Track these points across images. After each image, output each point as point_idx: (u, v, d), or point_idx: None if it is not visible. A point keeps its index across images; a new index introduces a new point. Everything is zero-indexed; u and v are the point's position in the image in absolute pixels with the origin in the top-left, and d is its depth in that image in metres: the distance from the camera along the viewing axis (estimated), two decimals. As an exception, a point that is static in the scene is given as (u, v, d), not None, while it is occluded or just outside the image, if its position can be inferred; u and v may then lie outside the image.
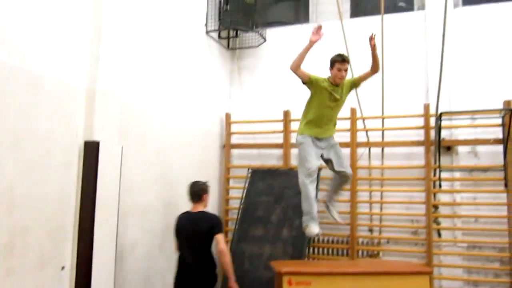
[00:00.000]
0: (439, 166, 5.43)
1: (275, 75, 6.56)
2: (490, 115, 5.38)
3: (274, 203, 5.53)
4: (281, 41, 6.60)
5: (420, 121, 5.63)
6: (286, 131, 6.13)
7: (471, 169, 5.54)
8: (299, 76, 4.10)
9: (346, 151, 5.83)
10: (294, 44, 6.52)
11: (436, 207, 5.50)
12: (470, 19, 5.81)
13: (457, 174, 5.62)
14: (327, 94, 4.04)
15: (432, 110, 5.50)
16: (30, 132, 3.16)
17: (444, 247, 5.53)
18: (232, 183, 6.45)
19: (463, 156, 5.62)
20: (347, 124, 5.83)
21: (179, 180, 5.23)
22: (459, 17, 5.82)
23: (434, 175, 5.51)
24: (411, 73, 5.97)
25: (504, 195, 5.25)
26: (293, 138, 6.09)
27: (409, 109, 5.80)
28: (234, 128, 6.54)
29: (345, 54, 4.15)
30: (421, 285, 3.52)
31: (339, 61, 4.01)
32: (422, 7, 6.13)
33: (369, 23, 6.01)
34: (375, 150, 5.92)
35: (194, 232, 3.97)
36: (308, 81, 4.10)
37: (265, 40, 6.45)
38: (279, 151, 6.25)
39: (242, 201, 5.74)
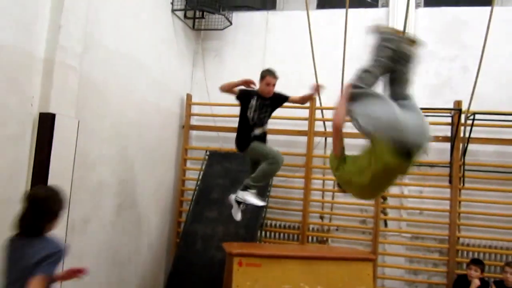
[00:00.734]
0: (390, 159, 5.64)
1: (238, 59, 6.57)
2: (441, 114, 5.63)
3: (230, 186, 5.58)
4: (246, 26, 6.60)
5: (376, 115, 5.81)
6: (246, 115, 6.17)
7: (420, 164, 5.78)
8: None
9: (303, 139, 5.97)
10: (259, 29, 6.59)
11: (384, 198, 5.73)
12: (430, 19, 6.02)
13: (407, 168, 5.86)
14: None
15: (388, 105, 5.67)
16: (-18, 99, 3.07)
17: (389, 236, 5.79)
18: (189, 164, 6.46)
19: (413, 151, 5.86)
20: (305, 113, 5.95)
21: (135, 158, 5.20)
22: (420, 17, 6.02)
23: (385, 167, 5.72)
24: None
25: (448, 190, 5.54)
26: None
27: (366, 103, 5.97)
28: (194, 109, 6.52)
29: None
30: (365, 271, 3.71)
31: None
32: (386, 4, 6.29)
33: (335, 15, 6.11)
34: (331, 140, 6.06)
35: None
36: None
37: (231, 23, 6.43)
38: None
39: (198, 182, 5.78)
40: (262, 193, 4.83)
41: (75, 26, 3.80)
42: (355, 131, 2.98)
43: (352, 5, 5.61)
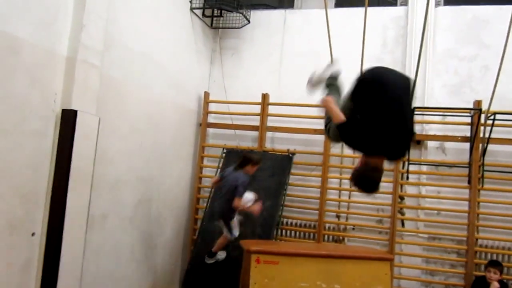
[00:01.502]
0: (408, 159, 5.61)
1: (255, 58, 6.59)
2: (460, 113, 5.57)
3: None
4: (264, 24, 6.61)
5: (394, 114, 5.77)
6: (263, 114, 6.19)
7: (438, 164, 5.74)
8: None
9: (321, 138, 5.96)
10: (277, 28, 6.60)
11: (402, 198, 5.70)
12: (450, 18, 5.95)
13: (424, 168, 5.82)
14: None
15: (406, 105, 5.63)
16: (5, 96, 3.13)
17: (406, 236, 5.75)
18: (206, 161, 6.50)
19: (432, 151, 5.82)
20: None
21: (153, 155, 5.25)
22: (439, 15, 5.97)
23: (403, 167, 5.69)
24: (389, 65, 6.07)
25: (467, 191, 5.48)
26: (270, 121, 6.21)
27: (384, 102, 5.94)
28: (211, 107, 6.56)
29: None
30: (382, 271, 3.70)
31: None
32: (405, 2, 6.24)
33: (353, 14, 6.10)
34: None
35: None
36: None
37: (249, 21, 6.45)
38: (254, 133, 6.31)
39: (215, 180, 5.81)
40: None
41: (96, 25, 3.86)
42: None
43: (371, 4, 5.58)
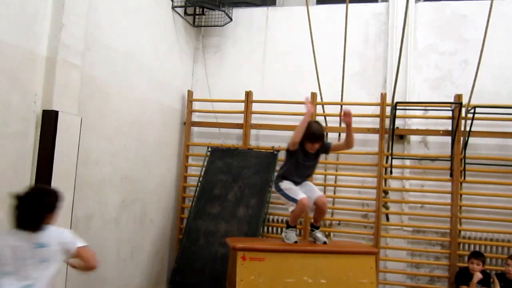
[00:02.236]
0: (391, 154, 5.67)
1: (238, 55, 6.59)
2: (442, 108, 5.65)
3: (232, 182, 5.63)
4: (246, 22, 6.61)
5: (377, 110, 5.83)
6: (247, 111, 6.19)
7: (421, 158, 5.82)
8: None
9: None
10: (259, 25, 6.60)
11: (386, 192, 5.75)
12: (430, 14, 6.03)
13: (408, 162, 5.89)
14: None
15: (389, 100, 5.69)
16: (-14, 97, 3.09)
17: (391, 230, 5.82)
18: (191, 160, 6.49)
19: (414, 145, 5.89)
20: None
21: (137, 155, 5.22)
22: (419, 11, 6.04)
23: (386, 162, 5.75)
24: (370, 62, 6.16)
25: (449, 183, 5.56)
26: (254, 118, 6.22)
27: (367, 98, 6.01)
28: (195, 105, 6.54)
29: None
30: (368, 265, 3.72)
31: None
32: (385, -2, 6.30)
33: (334, 11, 6.14)
34: (333, 135, 6.08)
35: None
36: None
37: (231, 19, 6.44)
38: (239, 131, 6.31)
39: (200, 179, 5.80)
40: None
41: (76, 24, 3.82)
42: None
43: (352, 0, 5.64)
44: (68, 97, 3.75)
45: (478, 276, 4.72)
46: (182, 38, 6.31)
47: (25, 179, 3.45)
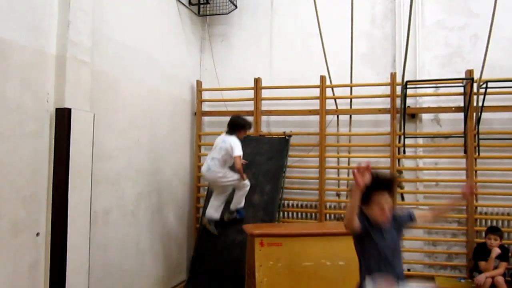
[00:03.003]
0: (403, 133, 5.64)
1: (245, 43, 6.58)
2: (453, 84, 5.59)
3: (245, 169, 5.64)
4: (251, 8, 6.58)
5: (387, 90, 5.79)
6: (257, 98, 6.20)
7: (434, 136, 5.78)
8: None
9: (315, 118, 5.98)
10: (265, 11, 6.56)
11: (400, 171, 5.75)
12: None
13: (420, 141, 5.86)
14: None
15: (399, 79, 5.65)
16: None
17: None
18: (203, 150, 6.52)
19: (426, 123, 5.86)
20: (316, 92, 5.95)
21: (151, 147, 5.27)
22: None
23: (399, 141, 5.73)
24: (379, 42, 6.10)
25: (463, 160, 5.53)
26: (264, 105, 6.23)
27: (377, 78, 5.97)
28: (205, 95, 6.56)
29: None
30: (384, 245, 3.74)
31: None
32: (391, -24, 6.21)
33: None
34: (343, 118, 6.08)
35: None
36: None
37: (236, 6, 6.41)
38: (249, 118, 6.30)
39: (214, 167, 5.83)
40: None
41: (83, 21, 3.83)
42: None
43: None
44: (79, 94, 3.79)
45: (496, 251, 4.73)
46: (188, 28, 6.31)
47: (43, 178, 3.51)
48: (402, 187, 5.75)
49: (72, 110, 3.62)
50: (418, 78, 5.77)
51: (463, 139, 5.53)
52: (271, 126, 6.32)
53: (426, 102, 5.85)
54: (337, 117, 6.10)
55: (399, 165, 5.77)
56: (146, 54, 5.17)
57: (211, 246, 5.17)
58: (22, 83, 3.33)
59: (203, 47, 6.73)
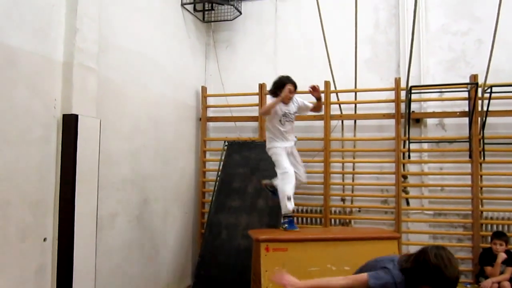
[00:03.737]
0: (408, 138, 5.65)
1: (250, 49, 6.62)
2: (457, 89, 5.59)
3: (250, 175, 5.66)
4: (256, 15, 6.62)
5: (391, 95, 5.81)
6: (262, 104, 6.21)
7: (438, 141, 5.78)
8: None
9: (320, 124, 5.99)
10: (269, 17, 6.60)
11: (405, 177, 5.74)
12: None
13: (425, 146, 5.86)
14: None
15: (403, 84, 5.66)
16: (7, 107, 3.17)
17: (412, 214, 5.81)
18: (208, 155, 6.55)
19: (431, 128, 5.86)
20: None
21: (156, 153, 5.30)
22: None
23: (404, 146, 5.73)
24: (382, 47, 6.12)
25: (469, 165, 5.52)
26: (269, 111, 6.23)
27: (381, 83, 5.98)
28: (210, 101, 6.59)
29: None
30: (390, 250, 3.75)
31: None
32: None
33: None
34: (348, 123, 6.09)
35: None
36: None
37: (240, 13, 6.46)
38: (254, 124, 6.35)
39: (219, 173, 5.85)
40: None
41: (90, 28, 3.88)
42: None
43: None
44: (86, 101, 3.82)
45: (502, 256, 4.71)
46: (193, 35, 6.35)
47: (50, 183, 3.54)
48: (407, 192, 5.74)
49: (79, 116, 3.66)
50: (422, 83, 5.77)
51: (468, 144, 5.52)
52: (275, 131, 6.32)
53: (431, 107, 5.85)
54: (342, 122, 6.11)
55: (404, 170, 5.77)
56: (151, 60, 5.21)
57: (216, 251, 5.17)
58: (29, 90, 3.37)
59: (208, 53, 6.77)
